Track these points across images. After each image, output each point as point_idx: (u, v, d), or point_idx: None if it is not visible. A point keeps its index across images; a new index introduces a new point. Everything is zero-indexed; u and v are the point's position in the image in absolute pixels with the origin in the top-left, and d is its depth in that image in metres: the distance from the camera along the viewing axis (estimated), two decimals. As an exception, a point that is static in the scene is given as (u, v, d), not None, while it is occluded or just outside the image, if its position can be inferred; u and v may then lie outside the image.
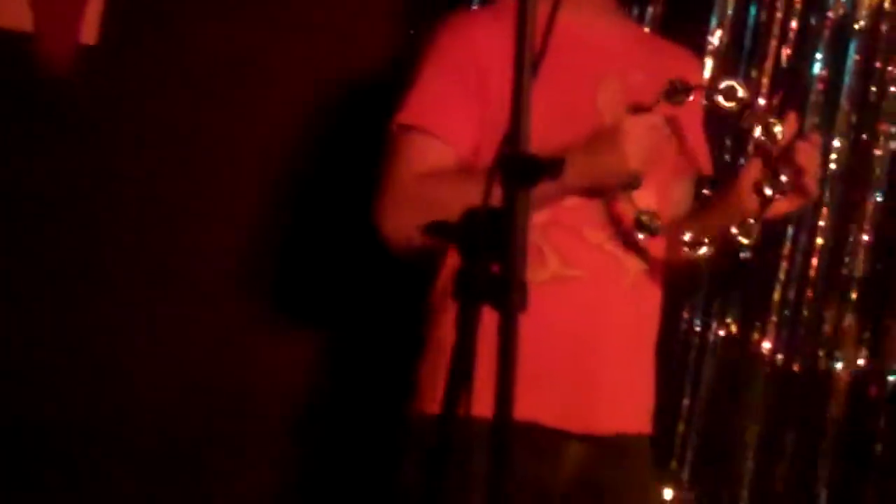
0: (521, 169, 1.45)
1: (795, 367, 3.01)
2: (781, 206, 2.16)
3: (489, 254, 1.45)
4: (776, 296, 3.00)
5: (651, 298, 2.25)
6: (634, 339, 2.21)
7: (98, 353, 2.73)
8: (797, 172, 2.11)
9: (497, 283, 1.44)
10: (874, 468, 2.99)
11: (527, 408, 2.02)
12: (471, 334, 1.45)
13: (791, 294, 3.00)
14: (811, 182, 2.13)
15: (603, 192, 2.12)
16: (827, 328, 3.01)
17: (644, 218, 2.09)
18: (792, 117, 2.16)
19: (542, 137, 1.96)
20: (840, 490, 3.00)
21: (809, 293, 3.01)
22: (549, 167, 1.45)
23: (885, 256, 3.02)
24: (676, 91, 2.10)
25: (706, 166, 2.37)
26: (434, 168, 2.13)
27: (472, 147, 2.14)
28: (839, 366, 3.00)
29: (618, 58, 2.22)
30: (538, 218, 2.10)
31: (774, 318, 3.00)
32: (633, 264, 2.18)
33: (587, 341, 2.14)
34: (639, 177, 2.05)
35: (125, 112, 2.75)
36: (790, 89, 3.01)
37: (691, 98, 2.14)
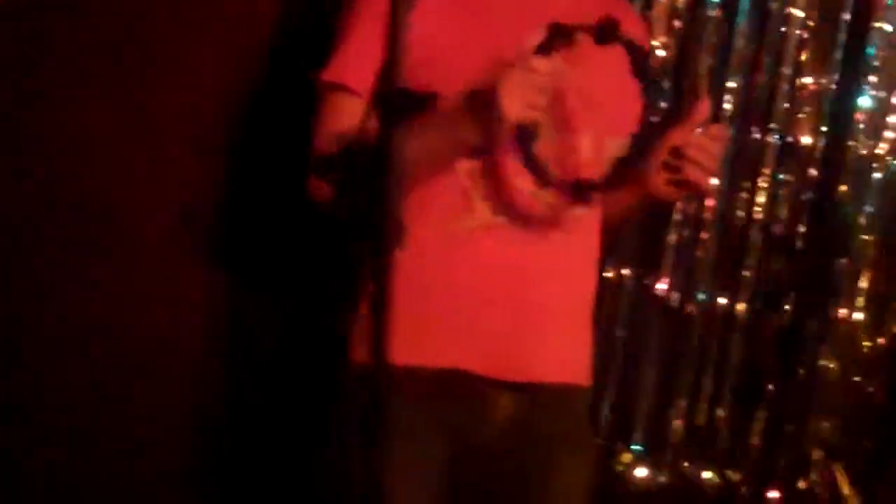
0: (393, 102, 1.41)
1: (691, 309, 3.03)
2: (670, 192, 2.13)
3: (364, 190, 1.42)
4: (671, 237, 3.01)
5: (585, 248, 2.21)
6: (566, 289, 2.15)
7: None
8: (685, 164, 2.07)
9: (371, 220, 1.41)
10: (766, 407, 3.03)
11: (455, 356, 2.06)
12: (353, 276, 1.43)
13: (686, 235, 3.01)
14: (697, 176, 2.08)
15: (495, 140, 2.04)
16: (722, 269, 3.03)
17: (534, 170, 2.00)
18: (704, 105, 2.12)
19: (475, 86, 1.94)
20: (736, 428, 3.03)
21: (704, 234, 3.02)
22: (421, 100, 1.41)
23: (781, 197, 3.04)
24: (560, 35, 1.96)
25: (632, 125, 2.29)
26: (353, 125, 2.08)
27: None
28: (733, 306, 3.03)
29: (560, 11, 2.13)
30: (468, 164, 2.06)
31: (669, 260, 3.01)
32: (567, 214, 2.12)
33: (517, 290, 2.09)
34: (532, 126, 1.96)
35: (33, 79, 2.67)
36: (685, 31, 3.00)
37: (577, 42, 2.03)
